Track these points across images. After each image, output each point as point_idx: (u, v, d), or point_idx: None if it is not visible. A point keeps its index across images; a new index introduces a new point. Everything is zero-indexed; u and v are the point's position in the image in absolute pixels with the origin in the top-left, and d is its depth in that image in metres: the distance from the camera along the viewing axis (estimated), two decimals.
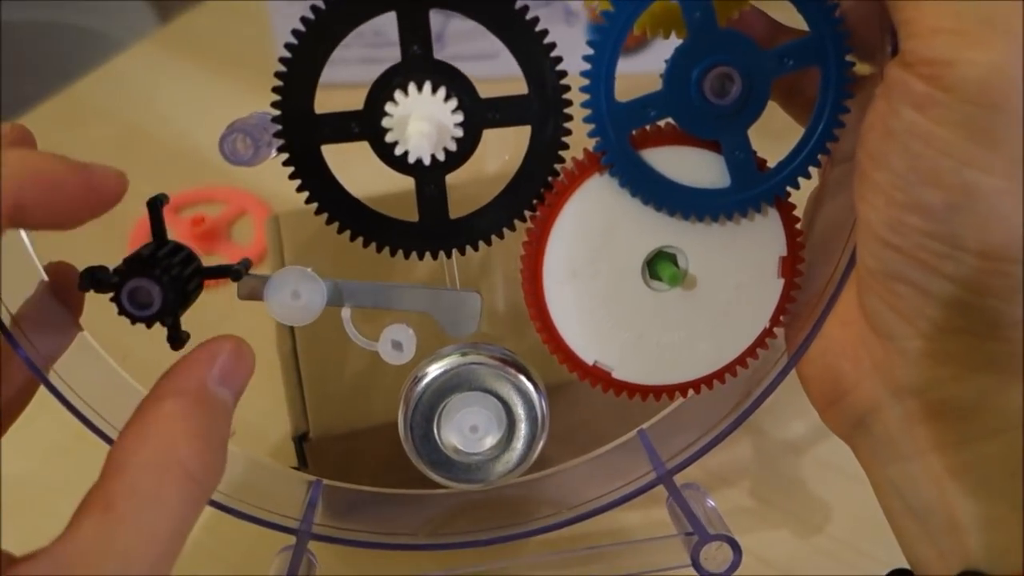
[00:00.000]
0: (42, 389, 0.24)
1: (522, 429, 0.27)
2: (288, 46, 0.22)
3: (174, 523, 0.19)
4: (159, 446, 0.20)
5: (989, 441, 0.23)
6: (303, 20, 0.22)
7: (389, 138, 0.23)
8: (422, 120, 0.22)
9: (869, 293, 0.23)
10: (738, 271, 0.25)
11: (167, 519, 0.19)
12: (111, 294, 0.22)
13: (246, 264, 0.24)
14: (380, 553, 0.34)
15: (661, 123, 0.24)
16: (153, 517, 0.19)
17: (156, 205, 0.23)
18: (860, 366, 0.24)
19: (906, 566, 0.25)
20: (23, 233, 0.24)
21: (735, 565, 0.28)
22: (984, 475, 0.23)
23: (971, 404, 0.23)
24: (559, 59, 0.23)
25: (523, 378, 0.26)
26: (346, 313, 0.25)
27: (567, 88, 0.23)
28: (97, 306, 0.24)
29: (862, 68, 0.24)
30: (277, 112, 0.22)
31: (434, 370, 0.26)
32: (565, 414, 0.29)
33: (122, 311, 0.22)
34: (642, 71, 0.24)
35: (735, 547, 0.28)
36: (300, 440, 0.34)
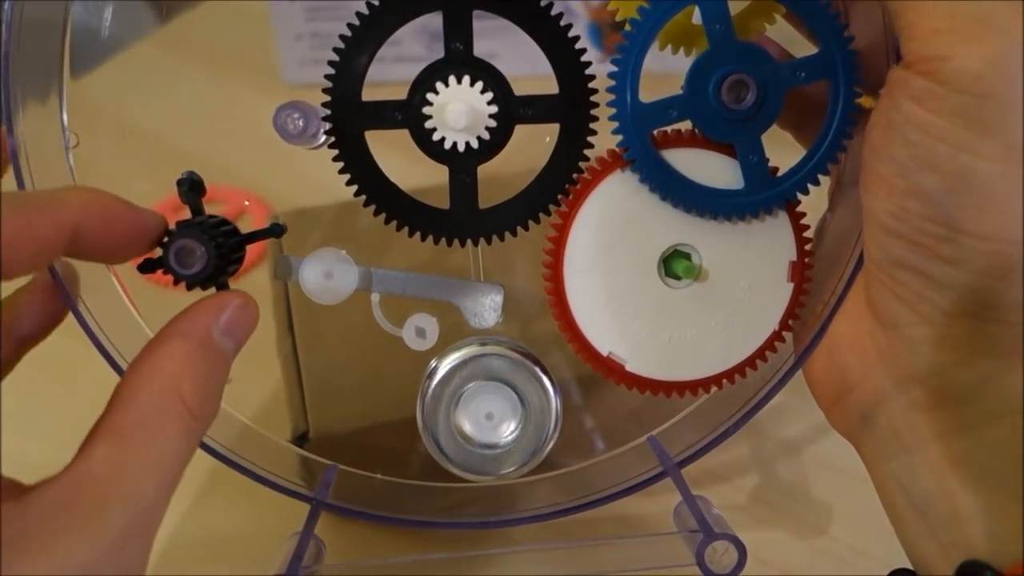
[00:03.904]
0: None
1: (536, 421, 0.30)
2: (342, 37, 0.26)
3: (175, 454, 0.22)
4: (164, 382, 0.23)
5: (990, 427, 0.25)
6: (358, 14, 0.25)
7: (428, 124, 0.26)
8: (460, 102, 0.26)
9: (875, 284, 0.26)
10: (750, 272, 0.29)
11: (170, 450, 0.22)
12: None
13: (282, 226, 0.28)
14: (386, 542, 0.37)
15: (681, 128, 0.27)
16: (158, 447, 0.22)
17: (192, 183, 0.27)
18: (866, 360, 0.27)
19: (907, 566, 0.27)
20: None
21: (740, 565, 0.30)
22: (985, 463, 0.25)
23: (973, 389, 0.25)
24: (589, 63, 0.27)
25: (539, 371, 0.30)
26: (375, 298, 0.29)
27: (595, 91, 0.27)
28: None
29: (866, 101, 0.27)
30: (328, 98, 0.26)
31: (453, 359, 0.30)
32: (572, 425, 0.32)
33: (168, 269, 0.25)
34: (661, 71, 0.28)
35: (739, 547, 0.30)
36: (299, 440, 0.37)
